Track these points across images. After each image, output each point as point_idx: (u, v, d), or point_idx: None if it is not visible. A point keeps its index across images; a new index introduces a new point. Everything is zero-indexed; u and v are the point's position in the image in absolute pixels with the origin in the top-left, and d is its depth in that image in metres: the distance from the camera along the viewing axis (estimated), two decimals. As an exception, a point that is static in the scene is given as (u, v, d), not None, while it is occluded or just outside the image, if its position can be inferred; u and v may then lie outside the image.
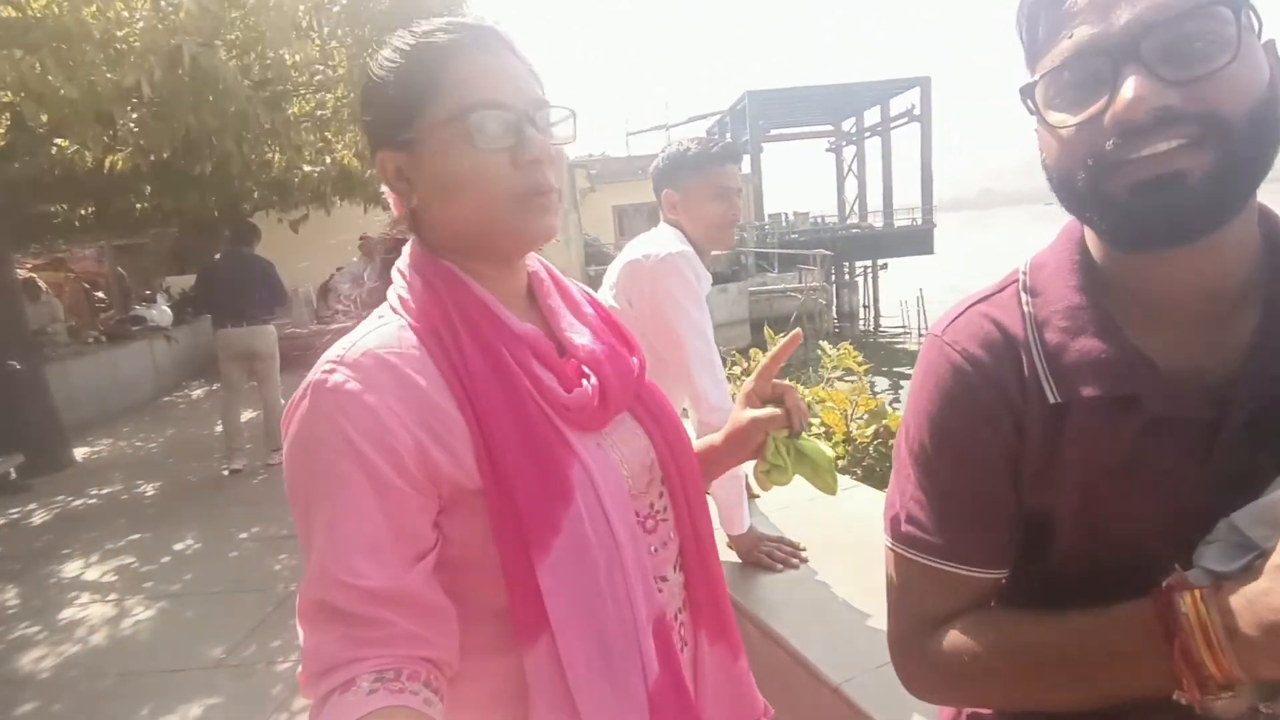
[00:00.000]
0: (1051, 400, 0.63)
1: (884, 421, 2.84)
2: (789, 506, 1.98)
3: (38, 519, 4.93)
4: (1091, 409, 0.61)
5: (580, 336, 0.78)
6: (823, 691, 1.26)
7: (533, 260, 0.82)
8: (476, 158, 0.68)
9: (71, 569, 4.01)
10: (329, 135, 6.62)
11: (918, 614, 0.70)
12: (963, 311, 0.70)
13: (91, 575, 3.91)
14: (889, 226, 28.27)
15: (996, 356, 0.65)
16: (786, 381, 0.87)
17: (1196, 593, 0.52)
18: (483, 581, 0.69)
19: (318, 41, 5.16)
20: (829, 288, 19.07)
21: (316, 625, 0.62)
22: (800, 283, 17.25)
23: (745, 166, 26.31)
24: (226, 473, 5.41)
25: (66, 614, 3.48)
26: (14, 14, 4.05)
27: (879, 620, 1.40)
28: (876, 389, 3.02)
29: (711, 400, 1.59)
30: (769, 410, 0.84)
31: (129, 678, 2.89)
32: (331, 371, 0.65)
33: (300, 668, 0.62)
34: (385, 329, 0.70)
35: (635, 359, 0.82)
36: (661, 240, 1.66)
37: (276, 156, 6.48)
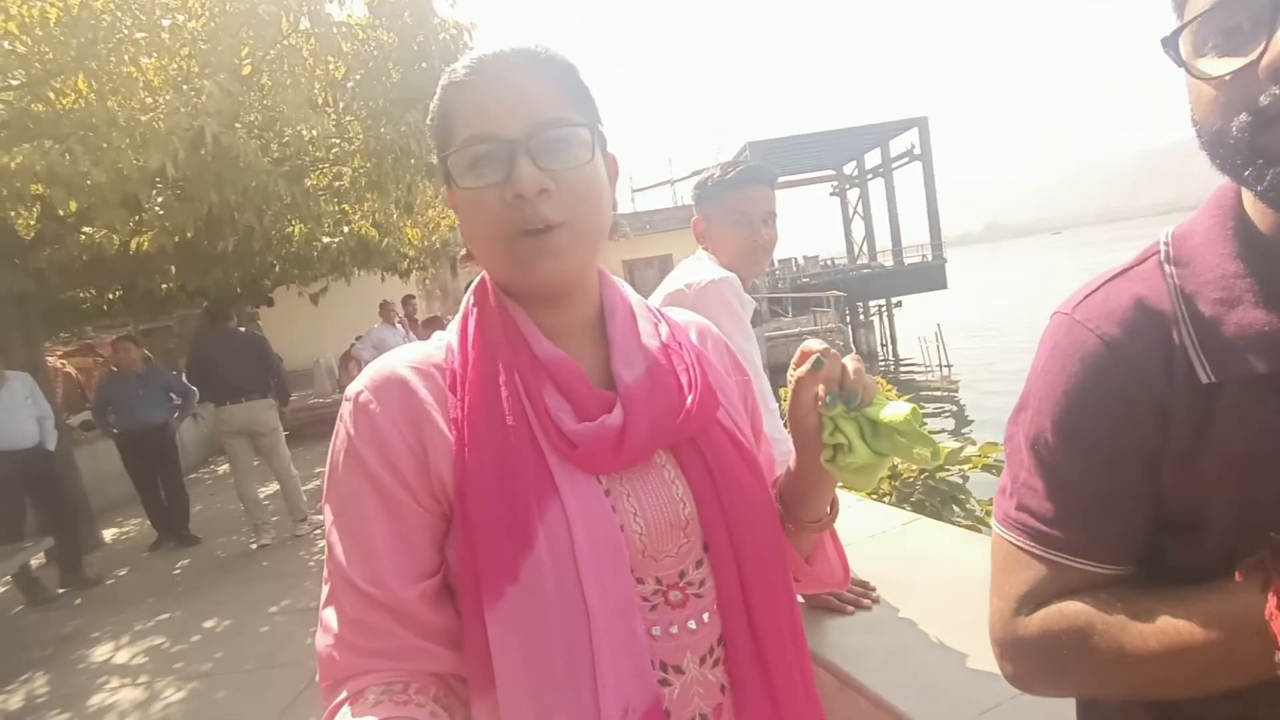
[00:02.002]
0: (1204, 380, 0.56)
1: (930, 453, 2.73)
2: (850, 545, 1.86)
3: (65, 602, 4.86)
4: (1250, 389, 0.55)
5: (629, 368, 0.69)
6: (916, 743, 1.14)
7: (609, 285, 0.75)
8: (467, 197, 0.65)
9: (101, 652, 3.92)
10: (347, 207, 6.78)
11: (1020, 602, 0.64)
12: (1097, 287, 0.63)
13: (121, 658, 3.81)
14: (899, 264, 28.34)
15: (1138, 336, 0.59)
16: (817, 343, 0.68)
17: None
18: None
19: (333, 116, 5.33)
20: (845, 328, 19.03)
21: (332, 627, 0.63)
22: (816, 325, 17.22)
23: (752, 214, 26.72)
24: (255, 547, 5.35)
25: (96, 700, 3.37)
26: (43, 109, 4.23)
27: (974, 661, 1.29)
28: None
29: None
30: (802, 368, 0.66)
31: None
32: (360, 384, 0.67)
33: (316, 671, 0.63)
34: (424, 346, 0.71)
35: (693, 396, 0.69)
36: (702, 268, 1.61)
37: (297, 229, 6.63)
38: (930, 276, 25.98)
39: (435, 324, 7.61)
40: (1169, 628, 0.54)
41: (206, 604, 4.39)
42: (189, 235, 5.46)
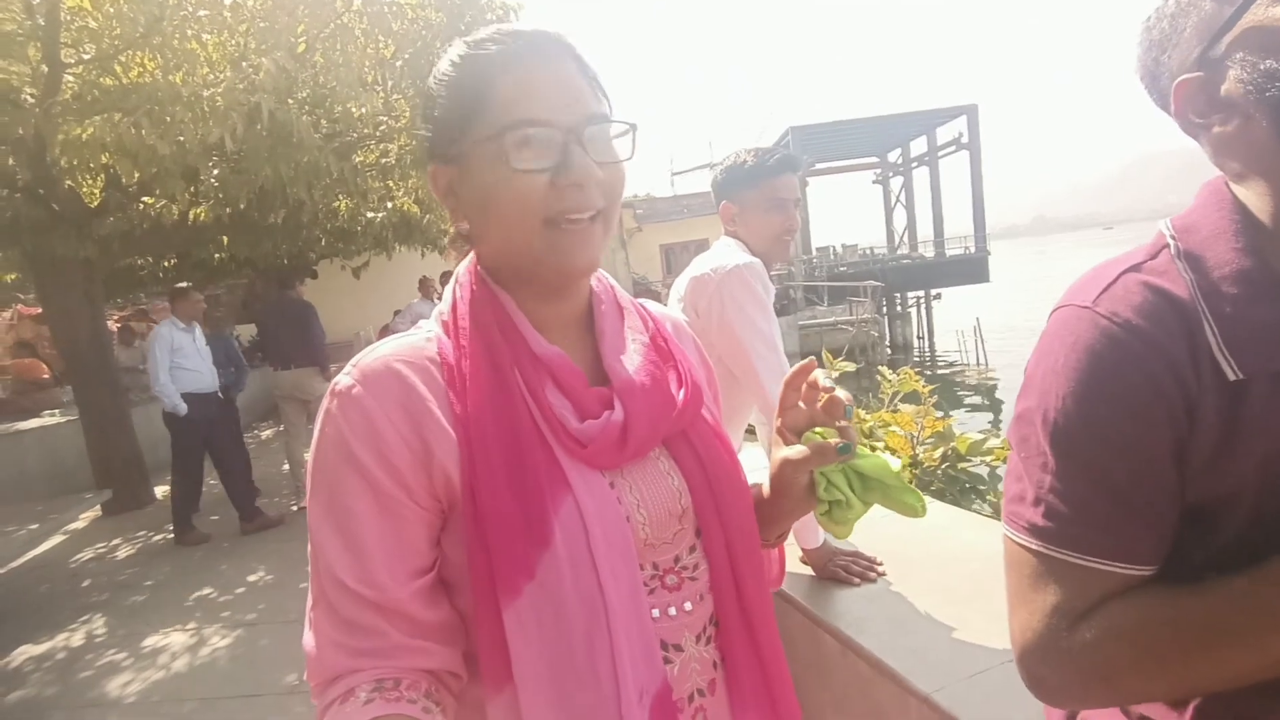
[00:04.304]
0: (1232, 377, 0.56)
1: (951, 444, 2.76)
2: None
3: (121, 553, 5.16)
4: (1276, 385, 0.56)
5: (621, 364, 0.70)
6: (910, 702, 1.22)
7: (596, 279, 0.76)
8: (513, 179, 0.63)
9: (154, 600, 4.18)
10: (391, 183, 6.95)
11: (1056, 612, 0.62)
12: (1115, 279, 0.62)
13: (171, 607, 4.07)
14: (940, 256, 27.78)
15: (1164, 329, 0.58)
16: (829, 381, 0.69)
17: None
18: (468, 608, 0.64)
19: (382, 94, 5.46)
20: (881, 319, 18.76)
21: (319, 629, 0.62)
22: (851, 315, 17.05)
23: (791, 201, 26.36)
24: (295, 508, 5.59)
25: (149, 642, 3.61)
26: (112, 82, 4.43)
27: (965, 632, 1.36)
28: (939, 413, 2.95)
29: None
30: (797, 448, 0.68)
31: (210, 702, 2.98)
32: (348, 375, 0.65)
33: (305, 669, 0.63)
34: (410, 338, 0.68)
35: (684, 392, 0.72)
36: (727, 253, 1.68)
37: (343, 204, 6.82)
38: (972, 269, 25.45)
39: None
40: (1252, 609, 0.54)
41: (252, 560, 4.64)
42: (241, 207, 5.70)
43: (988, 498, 2.80)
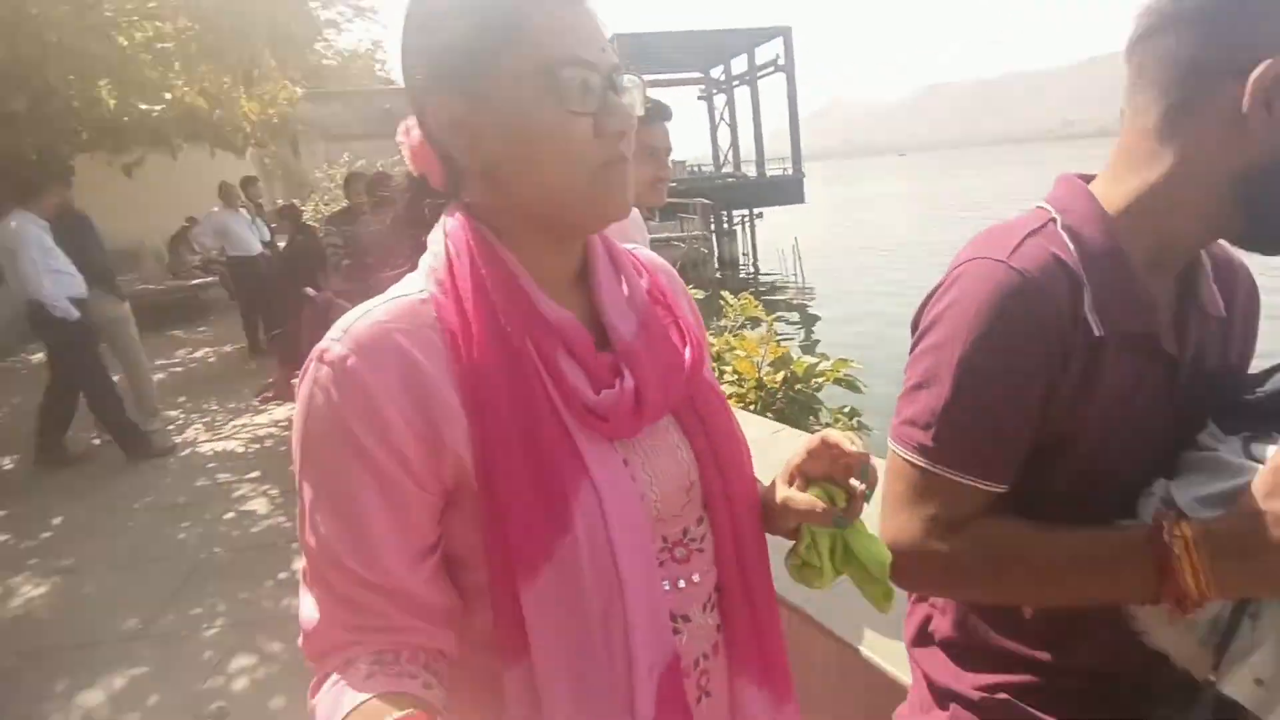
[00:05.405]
0: (1096, 333, 0.69)
1: (790, 367, 3.02)
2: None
3: None
4: (1123, 344, 0.70)
5: (624, 322, 0.68)
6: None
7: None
8: (563, 120, 0.59)
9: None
10: (171, 72, 5.90)
11: (930, 519, 0.74)
12: (1022, 240, 0.73)
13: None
14: (762, 176, 29.10)
15: (1060, 286, 0.70)
16: (857, 448, 0.65)
17: (1185, 529, 0.63)
18: (479, 582, 0.63)
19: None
20: (710, 236, 19.51)
21: (318, 603, 0.61)
22: (682, 231, 17.53)
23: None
24: (97, 441, 4.95)
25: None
26: None
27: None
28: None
29: None
30: (808, 499, 0.68)
31: (32, 656, 2.70)
32: (337, 340, 0.59)
33: (300, 638, 0.62)
34: (403, 301, 0.62)
35: (688, 351, 0.70)
36: None
37: (106, 94, 5.70)
38: (789, 190, 26.92)
39: (292, 212, 6.98)
40: (1093, 547, 0.69)
41: (49, 500, 4.11)
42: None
43: (821, 416, 3.10)
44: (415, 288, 0.64)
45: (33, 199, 4.37)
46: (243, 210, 7.44)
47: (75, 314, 4.32)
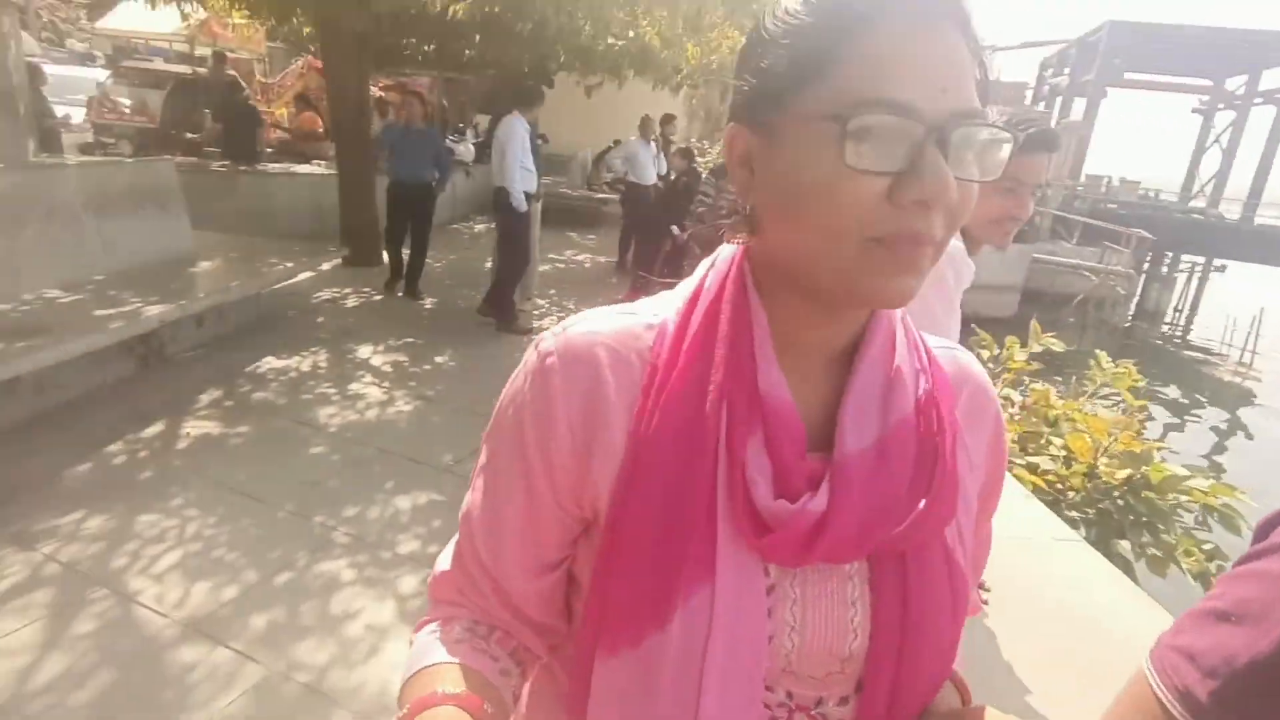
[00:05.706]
0: None
1: (1144, 469, 2.44)
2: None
3: (350, 302, 6.13)
4: None
5: (860, 429, 0.55)
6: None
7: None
8: (841, 178, 0.47)
9: (363, 352, 4.97)
10: (638, 12, 6.82)
11: None
12: None
13: (376, 361, 4.83)
14: (1246, 220, 22.61)
15: None
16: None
17: None
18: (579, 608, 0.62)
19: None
20: (1136, 277, 16.03)
21: (451, 556, 0.66)
22: (1101, 262, 14.72)
23: (1076, 113, 22.30)
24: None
25: (353, 387, 4.37)
26: None
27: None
28: (1147, 420, 2.54)
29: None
30: None
31: (384, 454, 3.60)
32: (556, 335, 0.58)
33: (430, 574, 0.69)
34: (630, 320, 0.59)
35: (924, 501, 0.54)
36: None
37: (586, 25, 6.83)
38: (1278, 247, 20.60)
39: (686, 153, 7.67)
40: None
41: (440, 341, 5.31)
42: (495, 10, 5.92)
43: (1161, 535, 2.49)
44: (653, 309, 0.60)
45: (526, 105, 5.47)
46: (652, 143, 8.36)
47: (525, 207, 5.42)
